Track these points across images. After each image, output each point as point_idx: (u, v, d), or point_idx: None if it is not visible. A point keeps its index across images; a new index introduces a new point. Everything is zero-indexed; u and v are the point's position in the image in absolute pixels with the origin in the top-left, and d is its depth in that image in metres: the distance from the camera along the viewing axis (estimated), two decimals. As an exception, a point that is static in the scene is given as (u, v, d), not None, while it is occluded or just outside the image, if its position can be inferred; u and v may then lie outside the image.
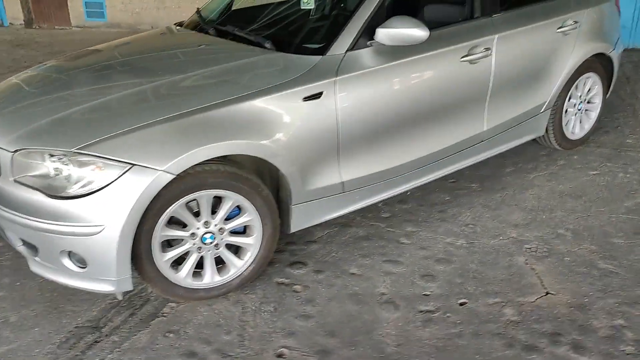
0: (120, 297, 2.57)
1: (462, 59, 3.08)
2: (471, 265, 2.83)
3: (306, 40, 2.89)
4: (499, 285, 2.67)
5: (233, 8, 3.60)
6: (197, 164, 2.34)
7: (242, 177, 2.47)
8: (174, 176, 2.26)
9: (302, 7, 3.29)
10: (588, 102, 4.10)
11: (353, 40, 2.75)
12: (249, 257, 2.63)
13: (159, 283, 2.48)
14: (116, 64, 2.99)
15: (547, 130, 3.91)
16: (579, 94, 3.98)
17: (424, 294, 2.63)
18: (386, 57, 2.82)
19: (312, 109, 2.61)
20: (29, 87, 2.86)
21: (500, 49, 3.24)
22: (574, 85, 3.86)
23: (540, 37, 3.50)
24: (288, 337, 2.38)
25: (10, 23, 10.49)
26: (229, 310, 2.56)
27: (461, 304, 2.55)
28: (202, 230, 2.49)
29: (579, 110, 4.04)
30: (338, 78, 2.66)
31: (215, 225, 2.51)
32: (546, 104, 3.69)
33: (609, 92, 4.26)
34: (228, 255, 2.60)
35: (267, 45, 2.85)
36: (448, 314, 2.49)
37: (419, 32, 2.70)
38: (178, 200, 2.36)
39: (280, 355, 2.29)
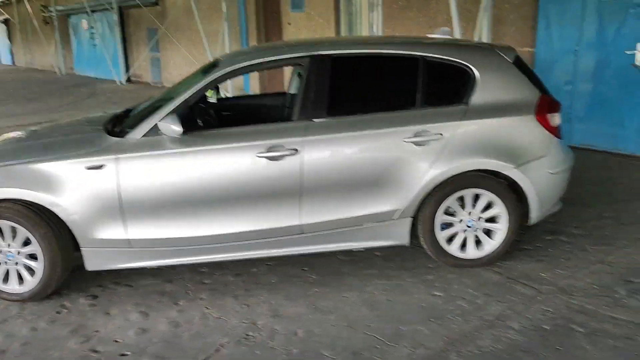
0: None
1: (259, 155, 3.46)
2: (183, 333, 3.19)
3: (128, 127, 3.68)
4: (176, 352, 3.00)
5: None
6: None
7: (25, 214, 3.42)
8: (-28, 206, 3.39)
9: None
10: (490, 222, 3.77)
11: (149, 129, 3.48)
12: (37, 277, 3.54)
13: (-20, 280, 3.61)
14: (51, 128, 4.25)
15: (420, 242, 3.77)
16: (468, 211, 3.72)
17: (115, 340, 3.13)
18: (175, 145, 3.46)
19: (93, 176, 3.43)
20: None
21: (313, 151, 3.48)
22: (453, 200, 3.67)
23: (376, 145, 3.55)
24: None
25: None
26: (7, 313, 3.50)
27: (121, 355, 3.00)
28: (7, 249, 3.53)
29: (470, 227, 3.75)
30: (121, 156, 3.42)
31: (14, 248, 3.52)
32: (400, 212, 3.63)
33: (533, 217, 3.78)
34: (23, 272, 3.56)
35: (109, 126, 3.78)
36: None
37: (174, 128, 3.35)
38: (-14, 223, 3.47)
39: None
